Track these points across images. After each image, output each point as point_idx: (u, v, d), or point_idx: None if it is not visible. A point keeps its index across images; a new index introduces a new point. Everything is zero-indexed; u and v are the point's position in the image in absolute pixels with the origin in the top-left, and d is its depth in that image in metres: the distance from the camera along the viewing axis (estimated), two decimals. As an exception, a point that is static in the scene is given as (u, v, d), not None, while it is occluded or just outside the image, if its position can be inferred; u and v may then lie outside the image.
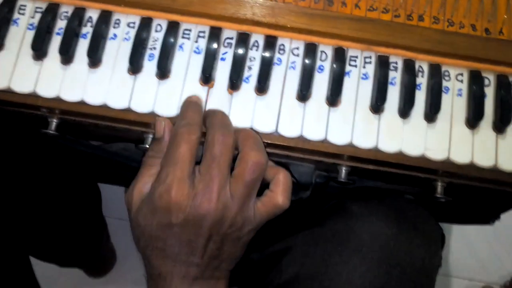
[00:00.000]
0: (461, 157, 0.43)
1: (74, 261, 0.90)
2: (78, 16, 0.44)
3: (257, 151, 0.39)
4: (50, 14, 0.44)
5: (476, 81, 0.44)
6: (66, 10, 0.45)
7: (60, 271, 0.87)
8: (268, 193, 0.41)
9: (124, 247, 1.06)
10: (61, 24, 0.45)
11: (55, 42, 0.44)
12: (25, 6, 0.45)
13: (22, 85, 0.43)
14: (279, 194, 0.41)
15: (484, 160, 0.43)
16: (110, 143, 0.55)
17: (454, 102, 0.44)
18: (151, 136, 0.45)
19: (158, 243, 0.39)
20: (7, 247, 0.52)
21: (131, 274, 1.06)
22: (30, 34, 0.44)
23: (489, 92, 0.45)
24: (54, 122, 0.46)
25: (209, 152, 0.38)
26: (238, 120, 0.43)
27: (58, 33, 0.44)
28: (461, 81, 0.45)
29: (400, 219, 0.47)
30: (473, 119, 0.43)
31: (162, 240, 0.39)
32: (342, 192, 0.53)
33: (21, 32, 0.44)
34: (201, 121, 0.41)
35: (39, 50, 0.43)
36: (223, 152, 0.38)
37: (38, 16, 0.44)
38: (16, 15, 0.45)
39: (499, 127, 0.44)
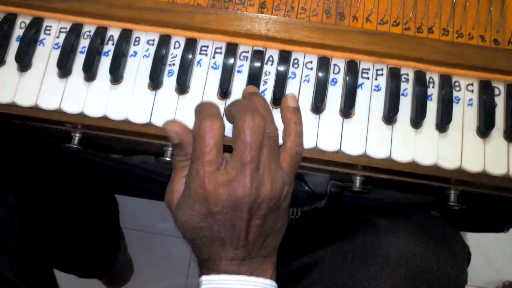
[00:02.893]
0: (473, 165, 0.44)
1: (92, 272, 0.92)
2: (100, 35, 0.47)
3: (271, 122, 0.41)
4: (74, 33, 0.46)
5: (486, 91, 0.45)
6: (89, 29, 0.47)
7: (79, 281, 0.88)
8: (283, 149, 0.42)
9: (141, 258, 1.08)
10: (84, 43, 0.47)
11: (79, 60, 0.46)
12: (50, 26, 0.47)
13: (48, 102, 0.45)
14: (292, 143, 0.42)
15: (496, 168, 0.44)
16: (130, 156, 0.57)
17: (465, 112, 0.45)
18: (170, 149, 0.47)
19: (203, 232, 0.40)
20: (34, 258, 0.53)
21: (148, 285, 1.07)
22: (56, 53, 0.46)
23: (500, 102, 0.46)
24: (77, 137, 0.47)
25: (241, 139, 0.39)
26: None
27: (81, 52, 0.47)
28: (472, 91, 0.46)
29: (427, 235, 0.48)
30: (484, 128, 0.44)
31: (207, 229, 0.40)
32: (369, 207, 0.54)
33: (47, 52, 0.47)
34: (219, 112, 0.42)
35: (64, 68, 0.45)
36: (254, 137, 0.39)
37: (62, 36, 0.47)
38: (42, 36, 0.47)
39: (510, 136, 0.45)
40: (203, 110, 0.42)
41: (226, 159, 0.40)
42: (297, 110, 0.43)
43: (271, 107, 0.45)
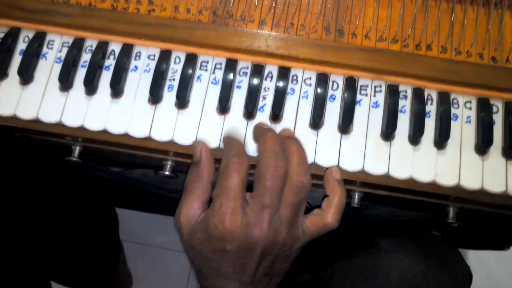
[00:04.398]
0: (471, 183, 0.44)
1: (91, 285, 0.91)
2: (101, 49, 0.47)
3: (298, 174, 0.41)
4: (76, 48, 0.47)
5: (484, 108, 0.46)
6: (90, 44, 0.48)
7: (77, 294, 0.88)
8: (318, 212, 0.43)
9: (140, 271, 1.07)
10: (86, 57, 0.47)
11: (80, 74, 0.47)
12: (53, 41, 0.48)
13: (49, 115, 0.46)
14: (330, 215, 0.42)
15: (495, 186, 0.44)
16: (130, 170, 0.57)
17: (463, 129, 0.46)
18: (169, 163, 0.47)
19: (213, 264, 0.41)
20: (30, 271, 0.53)
21: (147, 298, 1.06)
22: (58, 67, 0.47)
23: (498, 119, 0.46)
24: (77, 150, 0.48)
25: (262, 183, 0.40)
26: (254, 149, 0.44)
27: (83, 66, 0.47)
28: (470, 108, 0.46)
29: (428, 256, 0.48)
30: (483, 146, 0.44)
31: (217, 262, 0.41)
32: (370, 225, 0.54)
33: (49, 65, 0.47)
34: (245, 149, 0.43)
35: (65, 82, 0.46)
36: (275, 182, 0.40)
37: (65, 50, 0.47)
38: (45, 49, 0.48)
39: (508, 153, 0.45)
40: (233, 147, 0.43)
41: (246, 200, 0.41)
42: (340, 182, 0.43)
43: (269, 123, 0.45)
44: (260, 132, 0.44)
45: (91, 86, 0.46)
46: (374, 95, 0.46)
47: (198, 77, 0.47)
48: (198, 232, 0.41)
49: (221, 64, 0.47)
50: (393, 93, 0.46)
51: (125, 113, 0.46)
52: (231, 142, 0.44)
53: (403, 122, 0.45)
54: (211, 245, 0.40)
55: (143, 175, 0.57)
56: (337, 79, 0.47)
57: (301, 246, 0.43)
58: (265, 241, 0.40)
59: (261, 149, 0.42)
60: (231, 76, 0.46)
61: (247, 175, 0.41)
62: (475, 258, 1.03)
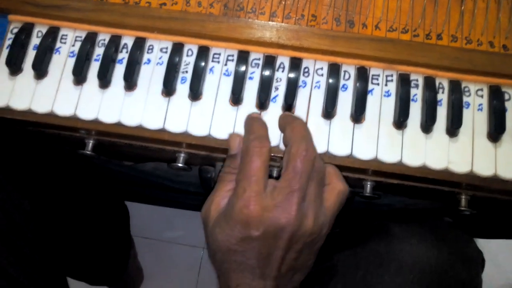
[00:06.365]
0: (484, 169, 0.44)
1: (102, 279, 0.92)
2: (114, 43, 0.48)
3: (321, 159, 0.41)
4: (89, 42, 0.47)
5: (496, 96, 0.46)
6: (103, 38, 0.48)
7: (89, 289, 0.89)
8: (326, 188, 0.42)
9: (151, 266, 1.08)
10: (99, 51, 0.48)
11: (94, 68, 0.47)
12: (66, 35, 0.48)
13: (63, 109, 0.46)
14: (336, 182, 0.42)
15: (508, 172, 0.44)
16: (142, 163, 0.58)
17: (475, 117, 0.46)
18: (183, 155, 0.47)
19: (236, 256, 0.39)
20: (47, 264, 0.54)
21: (157, 293, 1.07)
22: (71, 61, 0.47)
23: (510, 106, 0.46)
24: (90, 143, 0.48)
25: (292, 166, 0.39)
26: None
27: (96, 60, 0.48)
28: (481, 96, 0.47)
29: (440, 241, 0.48)
30: (495, 133, 0.45)
31: (241, 254, 0.39)
32: (382, 213, 0.54)
33: (63, 60, 0.48)
34: (268, 133, 0.43)
35: (79, 75, 0.46)
36: (306, 166, 0.39)
37: (78, 44, 0.48)
38: (58, 44, 0.48)
39: (521, 140, 0.45)
40: (254, 130, 0.42)
41: (273, 184, 0.40)
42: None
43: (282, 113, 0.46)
44: (288, 120, 0.43)
45: (104, 79, 0.46)
46: (386, 84, 0.47)
47: (211, 69, 0.47)
48: (222, 221, 0.40)
49: (233, 56, 0.47)
50: (404, 82, 0.46)
51: (139, 106, 0.46)
52: (253, 125, 0.43)
53: (415, 110, 0.46)
54: (235, 233, 0.39)
55: (156, 168, 0.58)
56: (349, 69, 0.47)
57: (327, 233, 0.41)
58: (293, 226, 0.38)
59: (291, 135, 0.41)
60: (243, 67, 0.46)
61: (269, 158, 0.40)
62: (483, 248, 1.04)
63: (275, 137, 0.45)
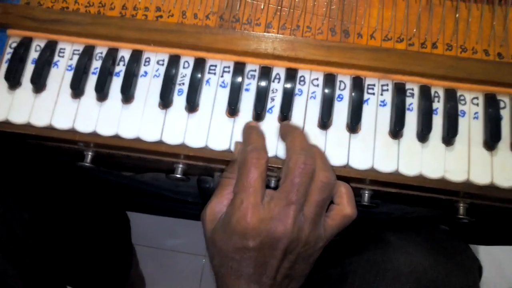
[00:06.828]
0: (480, 178, 0.44)
1: (104, 289, 0.92)
2: (111, 56, 0.48)
3: (325, 171, 0.41)
4: (86, 55, 0.48)
5: (491, 104, 0.46)
6: (100, 51, 0.49)
7: (91, 298, 0.89)
8: (335, 207, 0.42)
9: (152, 274, 1.08)
10: (96, 64, 0.48)
11: (91, 81, 0.48)
12: (64, 49, 0.49)
13: (62, 122, 0.47)
14: (346, 205, 0.42)
15: (504, 180, 0.44)
16: (141, 174, 0.58)
17: (471, 125, 0.46)
18: (181, 165, 0.47)
19: (233, 263, 0.40)
20: (47, 275, 0.54)
21: (159, 301, 1.07)
22: (69, 75, 0.48)
23: (505, 114, 0.46)
24: (89, 155, 0.49)
25: (290, 179, 0.39)
26: (263, 148, 0.45)
27: (94, 73, 0.48)
28: (477, 104, 0.47)
29: (437, 250, 0.48)
30: (491, 141, 0.45)
31: (237, 262, 0.40)
32: (378, 221, 0.54)
33: (61, 73, 0.48)
34: (265, 144, 0.43)
35: (77, 89, 0.47)
36: (303, 179, 0.39)
37: (76, 57, 0.48)
38: (56, 58, 0.49)
39: (517, 148, 0.45)
40: (251, 141, 0.42)
41: (270, 195, 0.40)
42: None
43: (278, 124, 0.46)
44: (288, 130, 0.43)
45: (102, 92, 0.47)
46: (381, 94, 0.47)
47: (207, 81, 0.47)
48: (220, 229, 0.41)
49: (229, 67, 0.48)
50: (400, 91, 0.46)
51: (136, 118, 0.47)
52: (251, 135, 0.43)
53: (411, 120, 0.46)
54: (232, 243, 0.39)
55: (155, 179, 0.58)
56: (344, 79, 0.47)
57: (323, 247, 0.42)
58: (289, 238, 0.39)
59: (290, 146, 0.41)
60: (239, 79, 0.47)
61: (266, 170, 0.40)
62: (486, 254, 1.03)
63: (272, 147, 0.45)
